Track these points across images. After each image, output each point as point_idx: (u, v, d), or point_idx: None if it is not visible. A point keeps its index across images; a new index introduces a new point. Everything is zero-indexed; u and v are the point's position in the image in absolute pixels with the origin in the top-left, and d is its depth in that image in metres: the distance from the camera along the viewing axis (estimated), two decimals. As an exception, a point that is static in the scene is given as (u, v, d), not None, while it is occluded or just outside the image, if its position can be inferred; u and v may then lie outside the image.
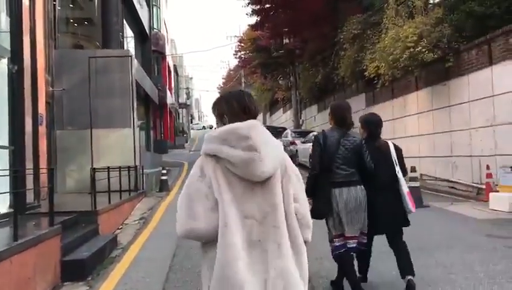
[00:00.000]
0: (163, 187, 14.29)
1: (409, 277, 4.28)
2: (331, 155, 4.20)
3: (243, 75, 53.58)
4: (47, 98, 11.01)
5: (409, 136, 15.26)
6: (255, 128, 1.94)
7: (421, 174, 13.41)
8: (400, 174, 4.53)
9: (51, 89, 12.18)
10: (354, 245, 4.26)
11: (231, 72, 67.91)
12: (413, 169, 10.69)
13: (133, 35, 20.49)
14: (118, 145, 12.71)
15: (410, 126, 15.31)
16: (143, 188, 13.01)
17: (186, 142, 41.86)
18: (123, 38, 16.54)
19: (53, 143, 12.05)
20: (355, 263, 4.50)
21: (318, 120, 27.24)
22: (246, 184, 1.92)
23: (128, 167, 11.68)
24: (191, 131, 59.07)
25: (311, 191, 4.08)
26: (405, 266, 4.37)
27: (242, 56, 41.06)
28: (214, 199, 1.89)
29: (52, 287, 5.32)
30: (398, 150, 4.70)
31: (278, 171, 1.99)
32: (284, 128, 26.74)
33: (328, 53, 22.52)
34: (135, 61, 14.78)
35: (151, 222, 9.32)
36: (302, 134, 21.71)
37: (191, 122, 73.27)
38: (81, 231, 6.93)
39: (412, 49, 12.80)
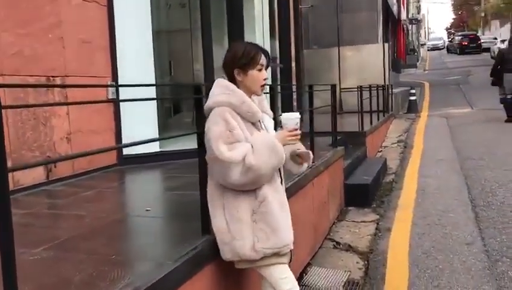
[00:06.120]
0: (412, 108, 13.14)
1: None
2: (506, 60, 9.65)
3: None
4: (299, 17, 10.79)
5: None
6: None
7: None
8: None
9: (300, 6, 11.90)
10: (510, 97, 9.71)
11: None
12: None
13: None
14: (364, 62, 11.92)
15: None
16: (391, 109, 12.11)
17: (417, 61, 38.74)
18: None
19: (301, 63, 11.92)
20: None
21: None
22: None
23: (377, 86, 10.82)
24: (421, 49, 54.61)
25: (492, 74, 10.09)
26: None
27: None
28: None
29: (340, 211, 4.99)
30: None
31: None
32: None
33: None
34: (381, -30, 13.41)
35: (415, 147, 8.45)
36: None
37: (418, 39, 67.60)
38: (352, 153, 6.47)
39: None
